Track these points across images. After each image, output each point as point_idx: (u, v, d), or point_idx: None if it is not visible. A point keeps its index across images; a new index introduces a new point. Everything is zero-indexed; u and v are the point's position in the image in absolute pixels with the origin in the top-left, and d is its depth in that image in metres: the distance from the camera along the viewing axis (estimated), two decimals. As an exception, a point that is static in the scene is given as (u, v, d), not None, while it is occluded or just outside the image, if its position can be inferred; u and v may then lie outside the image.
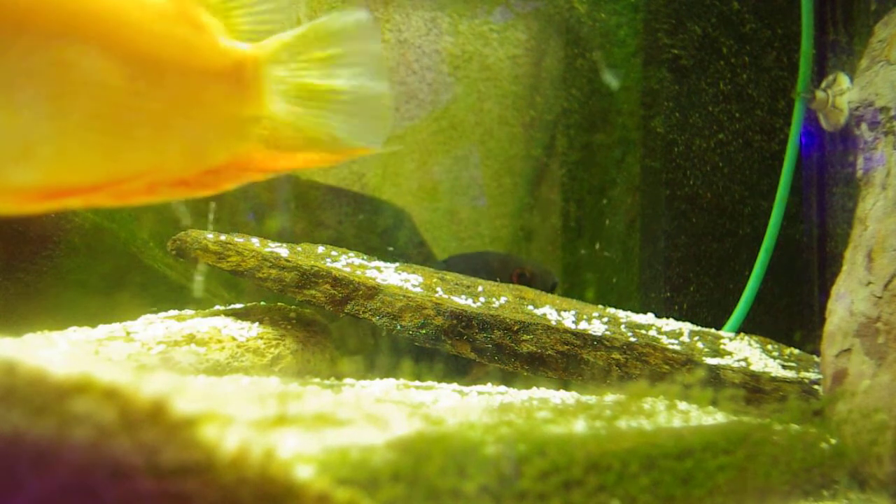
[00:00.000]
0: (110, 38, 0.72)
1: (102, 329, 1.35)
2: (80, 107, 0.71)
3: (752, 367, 1.45)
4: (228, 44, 0.81)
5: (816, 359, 1.50)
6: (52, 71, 0.68)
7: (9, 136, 0.67)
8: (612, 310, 1.66)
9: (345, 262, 1.54)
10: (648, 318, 1.64)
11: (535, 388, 1.30)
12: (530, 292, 1.61)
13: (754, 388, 1.41)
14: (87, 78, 0.70)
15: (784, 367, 1.49)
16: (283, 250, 1.50)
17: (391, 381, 1.25)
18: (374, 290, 1.44)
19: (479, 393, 1.21)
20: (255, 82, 0.82)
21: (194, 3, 0.79)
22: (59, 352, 1.19)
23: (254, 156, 0.84)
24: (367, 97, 0.85)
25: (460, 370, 1.50)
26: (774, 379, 1.42)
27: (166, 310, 1.54)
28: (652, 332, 1.54)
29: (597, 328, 1.48)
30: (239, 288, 1.83)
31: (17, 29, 0.67)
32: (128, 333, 1.32)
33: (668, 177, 1.99)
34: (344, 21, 0.84)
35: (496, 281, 1.65)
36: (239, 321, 1.43)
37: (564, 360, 1.43)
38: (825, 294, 1.27)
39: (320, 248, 1.59)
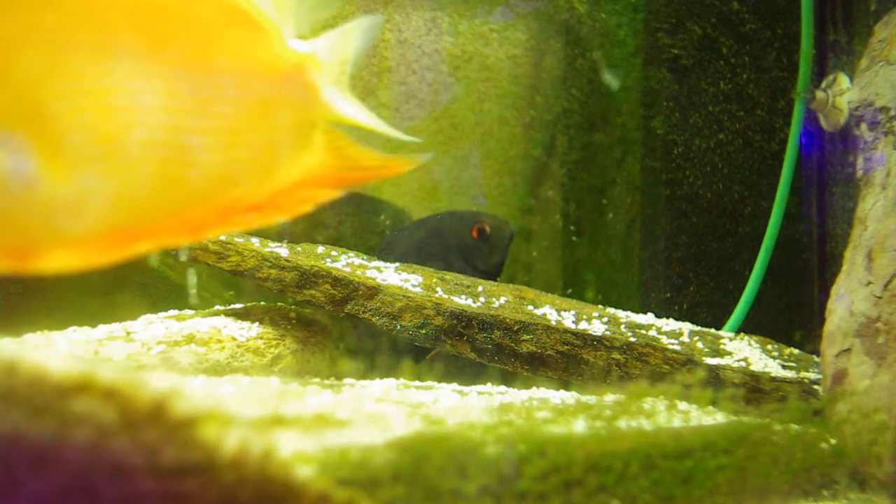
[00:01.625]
0: (167, 50, 0.64)
1: (102, 329, 1.35)
2: (138, 133, 0.63)
3: (752, 367, 1.45)
4: (289, 45, 0.75)
5: (816, 359, 1.50)
6: (101, 95, 0.61)
7: (59, 178, 0.60)
8: (612, 310, 1.66)
9: (345, 262, 1.54)
10: (648, 318, 1.64)
11: (535, 388, 1.30)
12: (530, 292, 1.61)
13: (754, 388, 1.41)
14: (144, 100, 0.63)
15: (784, 367, 1.49)
16: (282, 250, 1.50)
17: (391, 381, 1.25)
18: (374, 290, 1.44)
19: (479, 393, 1.21)
20: (315, 84, 0.77)
21: (253, 4, 0.72)
22: (59, 352, 1.19)
23: (324, 170, 0.78)
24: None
25: (459, 370, 1.50)
26: (774, 379, 1.42)
27: (166, 310, 1.54)
28: (652, 332, 1.54)
29: (597, 328, 1.48)
30: (239, 288, 1.83)
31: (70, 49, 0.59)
32: (128, 333, 1.32)
33: (668, 177, 1.99)
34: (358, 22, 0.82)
35: (455, 241, 1.66)
36: (239, 321, 1.43)
37: (564, 360, 1.43)
38: (825, 294, 1.27)
39: (320, 248, 1.59)
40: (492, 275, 1.82)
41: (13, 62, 0.56)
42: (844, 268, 1.24)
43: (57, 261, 0.65)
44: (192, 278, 1.71)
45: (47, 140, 0.58)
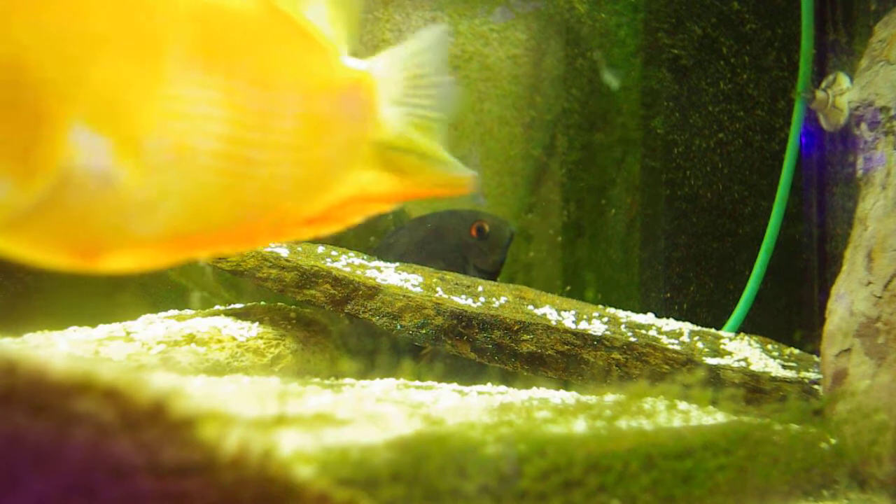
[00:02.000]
0: (235, 65, 0.66)
1: (102, 329, 1.35)
2: (207, 143, 0.65)
3: (752, 367, 1.45)
4: (346, 62, 0.77)
5: (816, 359, 1.50)
6: (177, 104, 0.63)
7: (132, 181, 0.62)
8: (612, 310, 1.66)
9: (345, 262, 1.54)
10: (648, 318, 1.64)
11: (535, 388, 1.30)
12: (530, 292, 1.61)
13: (754, 388, 1.41)
14: (214, 112, 0.65)
15: (784, 367, 1.49)
16: (283, 250, 1.50)
17: (391, 381, 1.25)
18: (374, 290, 1.44)
19: (479, 393, 1.21)
20: (371, 102, 0.78)
21: (312, 21, 0.74)
22: (59, 352, 1.19)
23: (377, 185, 0.80)
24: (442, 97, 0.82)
25: (459, 370, 1.50)
26: (774, 379, 1.42)
27: (166, 310, 1.54)
28: (652, 332, 1.54)
29: (597, 328, 1.48)
30: (239, 288, 1.83)
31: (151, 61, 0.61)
32: (128, 333, 1.32)
33: (668, 177, 1.99)
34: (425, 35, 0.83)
35: (455, 240, 1.67)
36: (239, 321, 1.44)
37: (564, 360, 1.43)
38: (825, 294, 1.27)
39: (320, 248, 1.59)
40: (491, 274, 1.82)
41: (100, 65, 0.58)
42: (844, 268, 1.24)
43: (120, 262, 0.68)
44: (191, 278, 1.71)
45: (126, 142, 0.60)
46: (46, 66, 0.56)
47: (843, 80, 1.86)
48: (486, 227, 1.84)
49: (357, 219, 0.78)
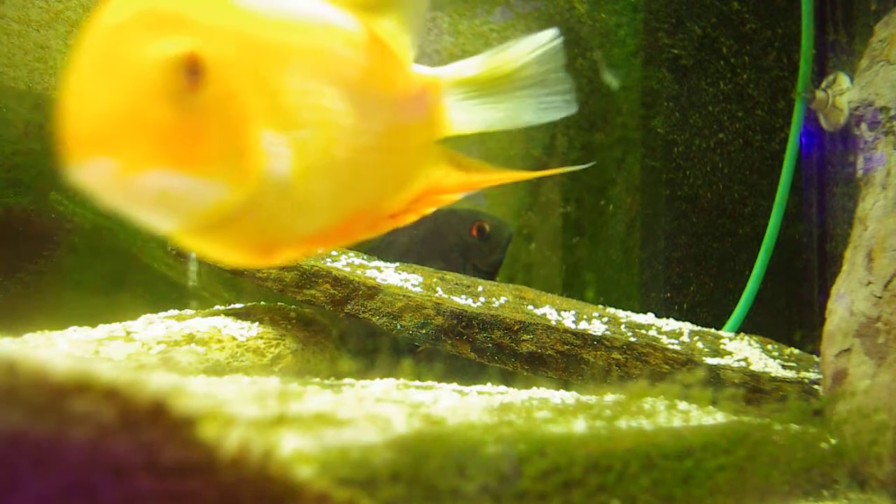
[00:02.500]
0: (337, 77, 0.73)
1: (102, 329, 1.35)
2: (339, 150, 0.73)
3: (752, 367, 1.45)
4: (415, 69, 0.84)
5: (816, 359, 1.50)
6: (323, 114, 0.71)
7: (300, 185, 0.69)
8: (612, 310, 1.66)
9: (345, 262, 1.54)
10: (648, 318, 1.64)
11: (535, 388, 1.30)
12: (530, 292, 1.61)
13: (754, 388, 1.41)
14: (342, 120, 0.73)
15: (784, 367, 1.49)
16: (283, 250, 1.50)
17: (391, 380, 1.25)
18: (374, 290, 1.44)
19: (479, 393, 1.21)
20: (438, 105, 0.86)
21: (386, 32, 0.81)
22: (59, 352, 1.19)
23: (447, 178, 0.87)
24: (557, 92, 0.88)
25: (459, 370, 1.50)
26: (774, 379, 1.42)
27: (166, 310, 1.54)
28: (652, 332, 1.54)
29: (597, 328, 1.48)
30: (239, 288, 1.83)
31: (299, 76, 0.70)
32: (128, 333, 1.32)
33: (668, 177, 1.99)
34: (532, 55, 0.88)
35: (455, 239, 1.67)
36: (239, 321, 1.43)
37: (564, 360, 1.43)
38: (825, 294, 1.27)
39: (320, 248, 1.59)
40: (490, 274, 1.82)
41: (281, 84, 0.68)
42: (844, 268, 1.24)
43: (283, 257, 0.76)
44: (192, 278, 1.71)
45: (297, 150, 0.68)
46: (251, 87, 0.65)
47: (843, 80, 1.86)
48: (487, 228, 1.84)
49: (428, 210, 0.86)
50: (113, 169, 0.59)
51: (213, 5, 0.66)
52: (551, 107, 0.88)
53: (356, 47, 0.76)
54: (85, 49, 0.62)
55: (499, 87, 0.88)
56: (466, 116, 0.88)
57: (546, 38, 0.88)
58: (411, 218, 0.84)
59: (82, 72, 0.61)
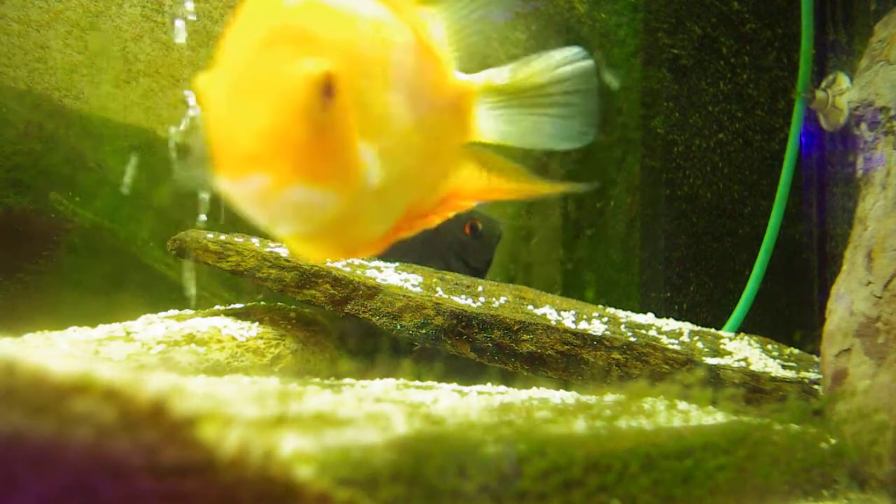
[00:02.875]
0: (403, 84, 0.77)
1: (102, 329, 1.35)
2: (406, 156, 0.77)
3: (752, 367, 1.45)
4: (454, 75, 0.86)
5: (816, 359, 1.50)
6: (395, 126, 0.76)
7: (382, 190, 0.74)
8: (612, 310, 1.66)
9: (345, 262, 1.54)
10: (648, 318, 1.64)
11: (535, 388, 1.30)
12: (530, 292, 1.61)
13: (754, 388, 1.41)
14: (404, 128, 0.77)
15: (784, 367, 1.49)
16: (282, 250, 1.50)
17: (391, 380, 1.25)
18: (374, 290, 1.44)
19: (479, 393, 1.20)
20: (470, 110, 0.88)
21: (433, 38, 0.84)
22: (59, 352, 1.19)
23: (472, 183, 0.90)
24: (577, 116, 0.90)
25: (459, 370, 1.50)
26: (774, 379, 1.42)
27: (166, 310, 1.54)
28: (652, 332, 1.54)
29: (597, 328, 1.48)
30: (239, 288, 1.83)
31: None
32: (128, 333, 1.32)
33: (668, 177, 1.99)
34: (564, 70, 0.90)
35: (450, 237, 1.68)
36: (239, 321, 1.43)
37: (564, 360, 1.43)
38: (825, 294, 1.27)
39: (320, 248, 1.59)
40: (481, 272, 1.83)
41: (371, 91, 0.73)
42: (844, 268, 1.23)
43: (361, 255, 0.85)
44: (192, 278, 1.71)
45: (381, 158, 0.73)
46: (353, 102, 0.70)
47: (843, 80, 1.86)
48: (479, 226, 1.85)
49: (450, 213, 0.89)
50: (264, 184, 0.64)
51: (326, 18, 0.71)
52: (569, 134, 0.90)
53: (413, 53, 0.79)
54: (230, 65, 0.67)
55: (524, 101, 0.90)
56: (491, 125, 0.90)
57: (575, 57, 0.89)
58: (437, 220, 0.87)
59: (231, 91, 0.66)
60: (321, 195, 0.67)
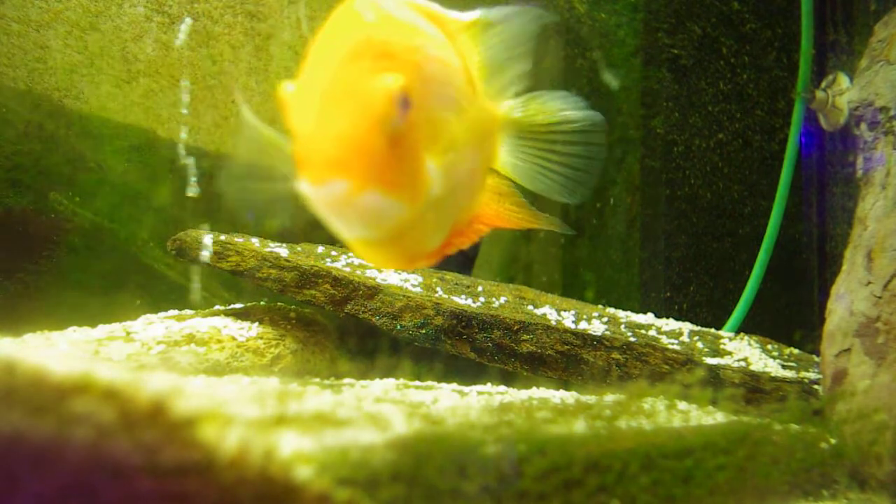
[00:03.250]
0: (457, 103, 0.83)
1: (102, 329, 1.35)
2: (458, 173, 0.82)
3: (752, 367, 1.45)
4: (486, 101, 0.91)
5: (816, 359, 1.50)
6: (453, 141, 0.81)
7: (441, 204, 0.79)
8: (612, 310, 1.66)
9: (345, 262, 1.54)
10: (648, 318, 1.64)
11: (535, 388, 1.30)
12: (530, 292, 1.61)
13: (754, 388, 1.41)
14: (458, 144, 0.81)
15: (784, 367, 1.49)
16: (282, 250, 1.50)
17: (391, 381, 1.25)
18: (374, 290, 1.44)
19: (479, 393, 1.21)
20: (496, 137, 0.93)
21: (473, 65, 0.89)
22: (59, 352, 1.19)
23: (489, 209, 0.94)
24: (579, 169, 0.95)
25: (459, 370, 1.50)
26: (774, 379, 1.42)
27: (166, 310, 1.54)
28: (652, 332, 1.54)
29: (597, 328, 1.48)
30: (239, 288, 1.83)
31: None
32: (128, 333, 1.32)
33: (668, 177, 1.99)
34: (575, 112, 0.94)
35: None
36: (239, 321, 1.43)
37: (564, 360, 1.43)
38: (825, 294, 1.27)
39: (320, 248, 1.59)
40: (472, 259, 1.84)
41: (435, 107, 0.78)
42: (844, 268, 1.23)
43: (417, 265, 0.87)
44: (192, 278, 1.71)
45: (444, 172, 0.78)
46: (421, 116, 0.74)
47: (843, 80, 1.86)
48: None
49: (475, 237, 0.94)
50: (344, 190, 0.69)
51: (401, 34, 0.77)
52: (569, 189, 0.94)
53: (463, 75, 0.85)
54: (315, 77, 0.72)
55: (536, 138, 0.94)
56: (505, 156, 0.94)
57: (589, 117, 0.94)
58: (468, 242, 0.92)
59: (317, 101, 0.70)
60: (393, 203, 0.72)
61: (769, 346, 1.62)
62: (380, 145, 0.70)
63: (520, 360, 1.43)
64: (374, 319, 1.43)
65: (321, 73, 0.72)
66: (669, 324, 1.64)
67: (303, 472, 0.59)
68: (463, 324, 1.43)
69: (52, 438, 0.49)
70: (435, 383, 1.28)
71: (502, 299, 1.53)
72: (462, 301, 1.48)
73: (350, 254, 1.60)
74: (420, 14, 0.82)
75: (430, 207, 0.77)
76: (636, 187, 2.04)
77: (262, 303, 1.62)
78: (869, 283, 1.16)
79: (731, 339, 1.62)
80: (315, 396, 0.90)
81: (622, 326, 1.53)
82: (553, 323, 1.46)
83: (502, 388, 1.34)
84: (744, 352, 1.54)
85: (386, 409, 0.83)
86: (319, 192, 0.70)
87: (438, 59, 0.80)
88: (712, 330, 1.68)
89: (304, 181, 0.70)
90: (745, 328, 1.80)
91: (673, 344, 1.49)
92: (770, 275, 1.90)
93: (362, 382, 1.23)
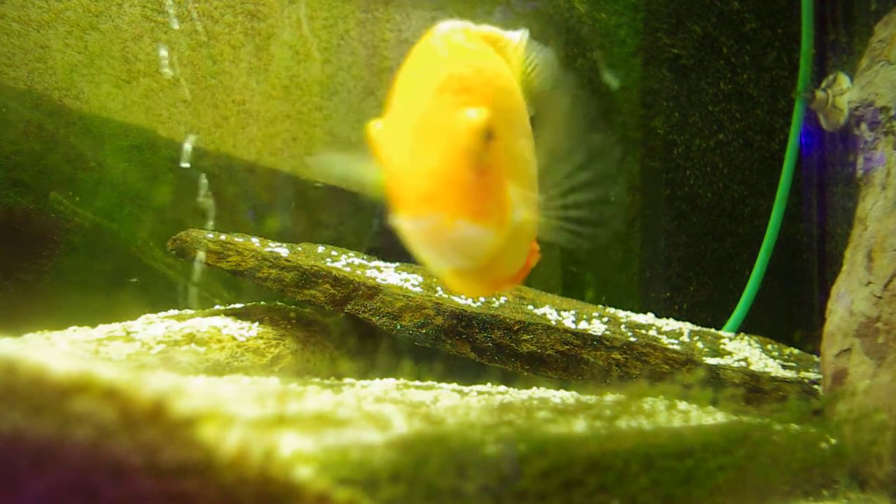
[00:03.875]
0: (524, 132, 0.87)
1: (102, 329, 1.35)
2: (530, 197, 0.86)
3: (752, 367, 1.45)
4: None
5: (816, 359, 1.50)
6: (527, 170, 0.85)
7: (524, 230, 0.83)
8: (612, 310, 1.66)
9: (345, 262, 1.54)
10: (648, 318, 1.64)
11: (535, 388, 1.30)
12: (530, 292, 1.61)
13: (754, 388, 1.41)
14: (528, 170, 0.85)
15: (784, 367, 1.49)
16: (283, 250, 1.50)
17: (391, 380, 1.25)
18: (374, 290, 1.44)
19: (479, 393, 1.21)
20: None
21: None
22: (59, 352, 1.19)
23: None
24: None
25: (459, 370, 1.50)
26: (774, 379, 1.42)
27: (166, 310, 1.54)
28: (652, 332, 1.54)
29: (597, 328, 1.48)
30: (239, 288, 1.83)
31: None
32: (128, 333, 1.32)
33: (668, 177, 1.99)
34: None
35: None
36: (239, 321, 1.43)
37: (564, 360, 1.43)
38: (825, 294, 1.27)
39: (320, 248, 1.59)
40: None
41: (512, 138, 0.82)
42: (844, 268, 1.23)
43: (503, 289, 0.97)
44: (192, 278, 1.71)
45: (522, 200, 0.82)
46: (502, 147, 0.78)
47: (843, 80, 1.86)
48: None
49: (517, 282, 0.98)
50: (438, 221, 0.73)
51: (477, 67, 0.80)
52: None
53: (521, 96, 0.89)
54: (402, 115, 0.76)
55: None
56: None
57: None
58: (537, 259, 0.96)
59: (406, 138, 0.74)
60: (484, 231, 0.75)
61: (769, 346, 1.62)
62: (469, 177, 0.73)
63: (520, 360, 1.43)
64: (374, 319, 1.43)
65: (407, 111, 0.75)
66: (669, 324, 1.64)
67: (303, 472, 0.59)
68: (463, 324, 1.43)
69: (52, 438, 0.49)
70: (435, 383, 1.28)
71: (502, 299, 1.53)
72: (462, 301, 1.48)
73: (350, 253, 1.60)
74: (484, 41, 0.86)
75: (514, 231, 0.80)
76: (636, 187, 2.04)
77: (262, 303, 1.62)
78: (869, 283, 1.16)
79: (731, 339, 1.62)
80: (315, 396, 0.90)
81: (622, 326, 1.53)
82: (553, 323, 1.46)
83: (502, 387, 1.34)
84: (744, 352, 1.54)
85: (386, 408, 0.83)
86: (416, 226, 0.73)
87: (507, 88, 0.84)
88: (712, 330, 1.68)
89: (399, 215, 0.74)
90: (745, 328, 1.80)
91: (673, 344, 1.49)
92: (770, 275, 1.90)
93: (362, 382, 1.23)
